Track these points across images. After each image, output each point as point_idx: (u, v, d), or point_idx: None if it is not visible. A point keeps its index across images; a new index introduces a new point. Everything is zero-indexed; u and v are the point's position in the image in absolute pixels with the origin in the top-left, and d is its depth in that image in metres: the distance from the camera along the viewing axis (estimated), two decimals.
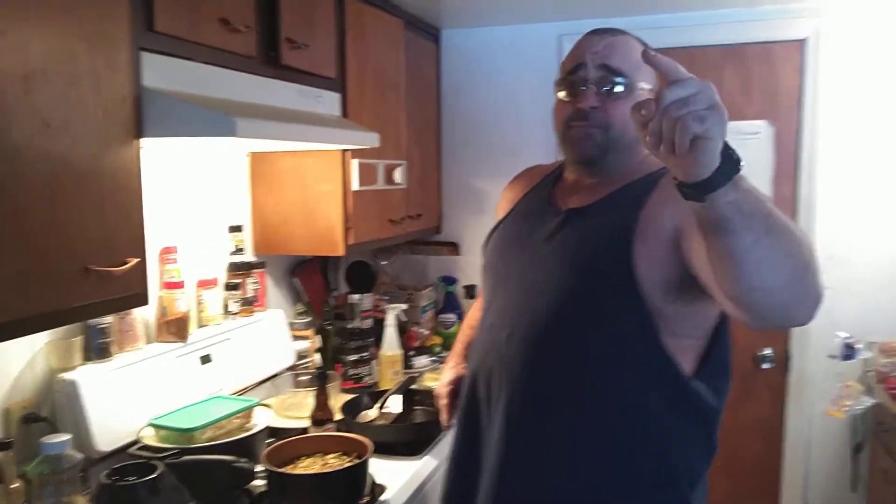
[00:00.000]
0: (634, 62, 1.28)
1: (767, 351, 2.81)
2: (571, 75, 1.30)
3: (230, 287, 2.10)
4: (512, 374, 1.30)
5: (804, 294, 0.94)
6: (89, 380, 1.59)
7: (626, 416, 1.22)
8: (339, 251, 2.19)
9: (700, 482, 1.29)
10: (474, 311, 1.66)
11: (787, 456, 2.86)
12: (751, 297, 0.94)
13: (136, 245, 1.38)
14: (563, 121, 1.32)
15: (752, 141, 2.76)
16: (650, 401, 1.22)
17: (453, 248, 3.10)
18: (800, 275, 0.92)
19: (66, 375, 1.58)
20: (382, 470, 1.75)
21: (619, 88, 1.26)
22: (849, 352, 2.58)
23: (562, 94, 1.32)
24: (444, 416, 1.57)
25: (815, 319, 2.68)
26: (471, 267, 3.06)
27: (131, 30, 1.34)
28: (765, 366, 2.82)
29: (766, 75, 2.75)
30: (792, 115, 2.73)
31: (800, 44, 2.69)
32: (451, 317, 3.02)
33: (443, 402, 1.57)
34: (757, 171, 2.76)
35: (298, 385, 2.15)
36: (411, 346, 2.75)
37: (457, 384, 1.53)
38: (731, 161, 0.82)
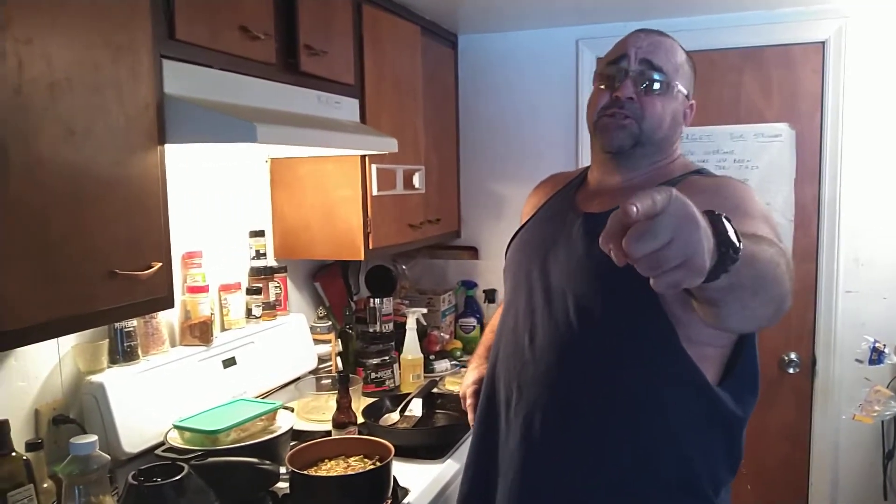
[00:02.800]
0: (675, 64, 1.31)
1: (793, 355, 2.78)
2: (613, 65, 1.31)
3: (252, 291, 2.13)
4: (533, 378, 1.30)
5: (778, 317, 0.97)
6: (116, 382, 1.62)
7: (649, 422, 1.22)
8: (360, 256, 2.20)
9: (724, 488, 1.28)
10: (498, 315, 1.67)
11: (814, 462, 2.81)
12: (729, 330, 1.07)
13: (161, 249, 1.40)
14: (597, 109, 1.33)
15: (773, 144, 2.73)
16: (672, 406, 1.21)
17: (473, 252, 3.11)
18: (777, 308, 0.95)
19: (94, 378, 1.61)
20: (405, 473, 1.75)
21: (656, 85, 1.28)
22: (876, 356, 2.54)
23: (600, 84, 1.33)
24: (470, 417, 1.58)
25: (840, 322, 2.65)
26: (490, 271, 3.07)
27: (153, 38, 1.37)
28: (790, 370, 2.78)
29: (786, 78, 2.72)
30: (813, 117, 2.70)
31: (819, 46, 2.66)
32: (471, 321, 3.02)
33: (469, 402, 1.58)
34: (778, 173, 2.74)
35: (321, 388, 2.17)
36: (432, 350, 2.76)
37: (481, 384, 1.53)
38: (724, 257, 0.75)
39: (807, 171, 2.73)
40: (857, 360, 2.58)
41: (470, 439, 1.50)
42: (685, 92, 1.33)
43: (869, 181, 2.65)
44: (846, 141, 2.65)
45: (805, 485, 2.83)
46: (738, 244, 0.76)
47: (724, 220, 0.76)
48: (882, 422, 2.60)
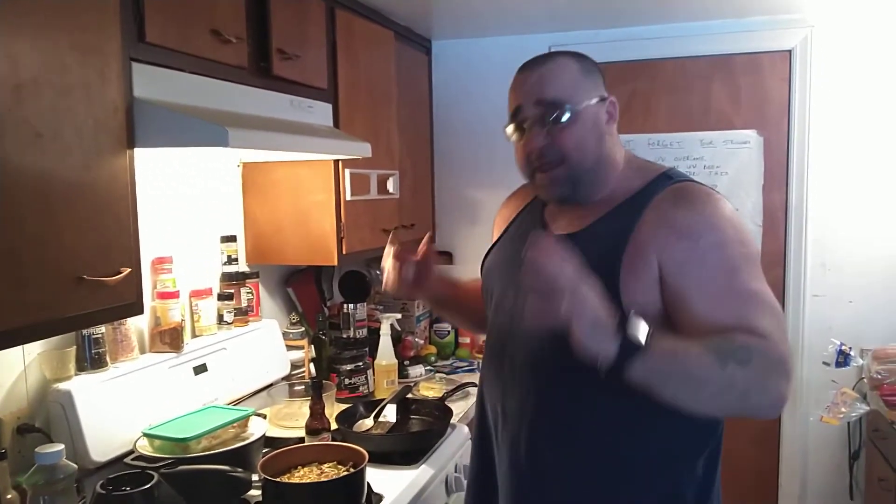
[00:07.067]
0: (569, 83, 1.24)
1: None
2: (514, 119, 1.28)
3: (224, 297, 2.11)
4: (516, 402, 1.30)
5: (750, 411, 1.08)
6: (83, 390, 1.59)
7: (631, 444, 1.22)
8: (333, 261, 2.19)
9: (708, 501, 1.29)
10: (475, 282, 1.58)
11: (783, 463, 2.86)
12: (692, 413, 1.11)
13: (130, 254, 1.38)
14: (523, 165, 1.30)
15: (742, 150, 2.78)
16: (653, 428, 1.21)
17: (447, 257, 3.11)
18: (736, 403, 1.06)
19: (61, 385, 1.58)
20: (379, 479, 1.74)
21: (563, 117, 1.22)
22: (842, 359, 2.59)
23: (513, 139, 1.30)
24: (386, 279, 1.45)
25: (808, 326, 2.66)
26: (465, 276, 3.06)
27: (122, 41, 1.35)
28: None
29: (754, 85, 2.78)
30: (780, 124, 2.76)
31: (787, 54, 2.73)
32: (446, 326, 3.02)
33: (387, 262, 1.44)
34: (747, 179, 2.79)
35: (293, 395, 2.15)
36: (406, 355, 2.76)
37: (404, 250, 1.44)
38: (628, 349, 0.97)
39: (774, 177, 2.78)
40: (824, 363, 2.63)
41: (469, 455, 1.51)
42: (594, 100, 1.25)
43: (835, 187, 2.71)
44: (813, 147, 2.71)
45: (775, 485, 2.88)
46: (642, 341, 0.98)
47: (635, 316, 1.00)
48: (848, 423, 2.66)
